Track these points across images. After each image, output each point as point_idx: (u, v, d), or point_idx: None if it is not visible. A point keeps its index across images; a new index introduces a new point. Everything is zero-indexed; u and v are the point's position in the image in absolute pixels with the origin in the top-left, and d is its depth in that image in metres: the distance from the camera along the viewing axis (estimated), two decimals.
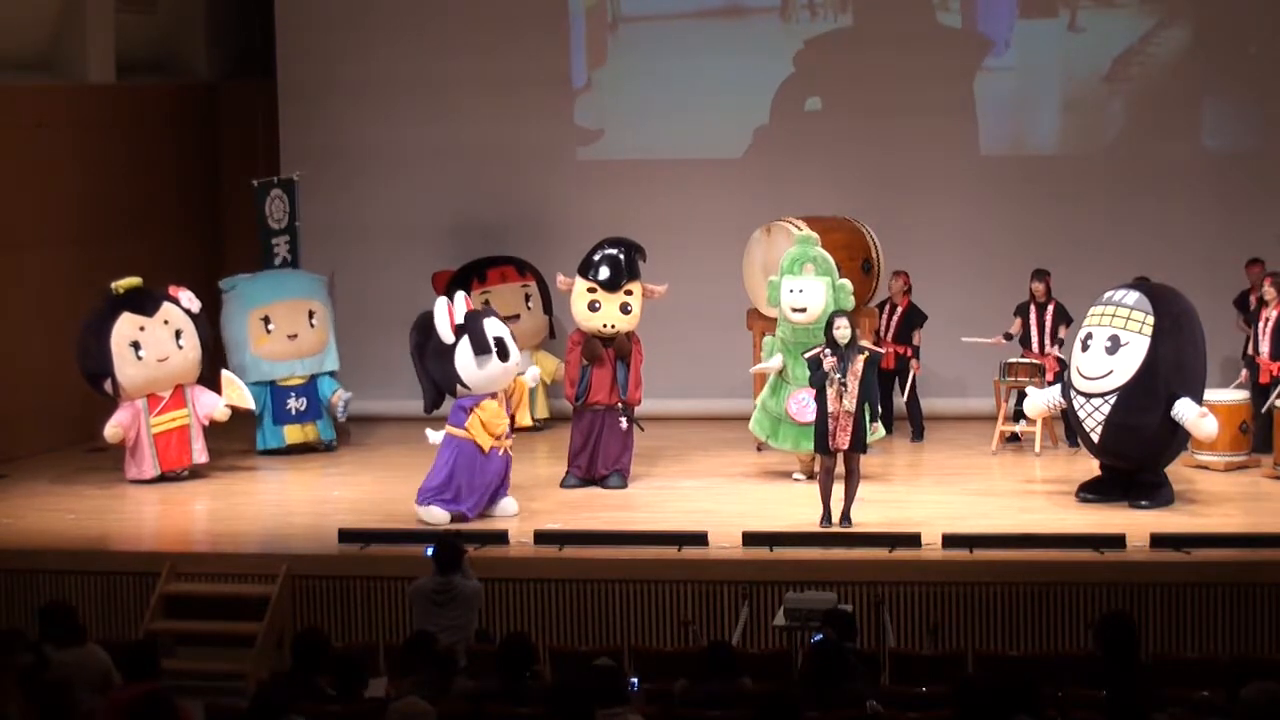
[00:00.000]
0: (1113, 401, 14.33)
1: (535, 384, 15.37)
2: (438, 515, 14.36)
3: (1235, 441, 15.81)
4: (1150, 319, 14.33)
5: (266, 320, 17.36)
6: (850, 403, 13.82)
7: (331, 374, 17.62)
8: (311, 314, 17.57)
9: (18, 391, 17.08)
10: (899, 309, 17.41)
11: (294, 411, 17.37)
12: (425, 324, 14.57)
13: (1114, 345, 14.36)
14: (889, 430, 16.92)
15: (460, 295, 14.95)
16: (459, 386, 14.41)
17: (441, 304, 14.57)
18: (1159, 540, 13.23)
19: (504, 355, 14.39)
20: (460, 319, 14.44)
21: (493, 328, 14.48)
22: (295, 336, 17.44)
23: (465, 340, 14.34)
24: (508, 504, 14.71)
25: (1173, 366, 14.33)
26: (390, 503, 15.25)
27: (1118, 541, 13.24)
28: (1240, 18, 18.43)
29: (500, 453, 14.50)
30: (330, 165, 19.06)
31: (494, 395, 14.46)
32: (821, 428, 13.97)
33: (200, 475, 16.32)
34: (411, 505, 14.94)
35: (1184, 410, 14.22)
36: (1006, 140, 18.94)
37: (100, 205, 18.20)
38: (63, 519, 14.99)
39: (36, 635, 10.42)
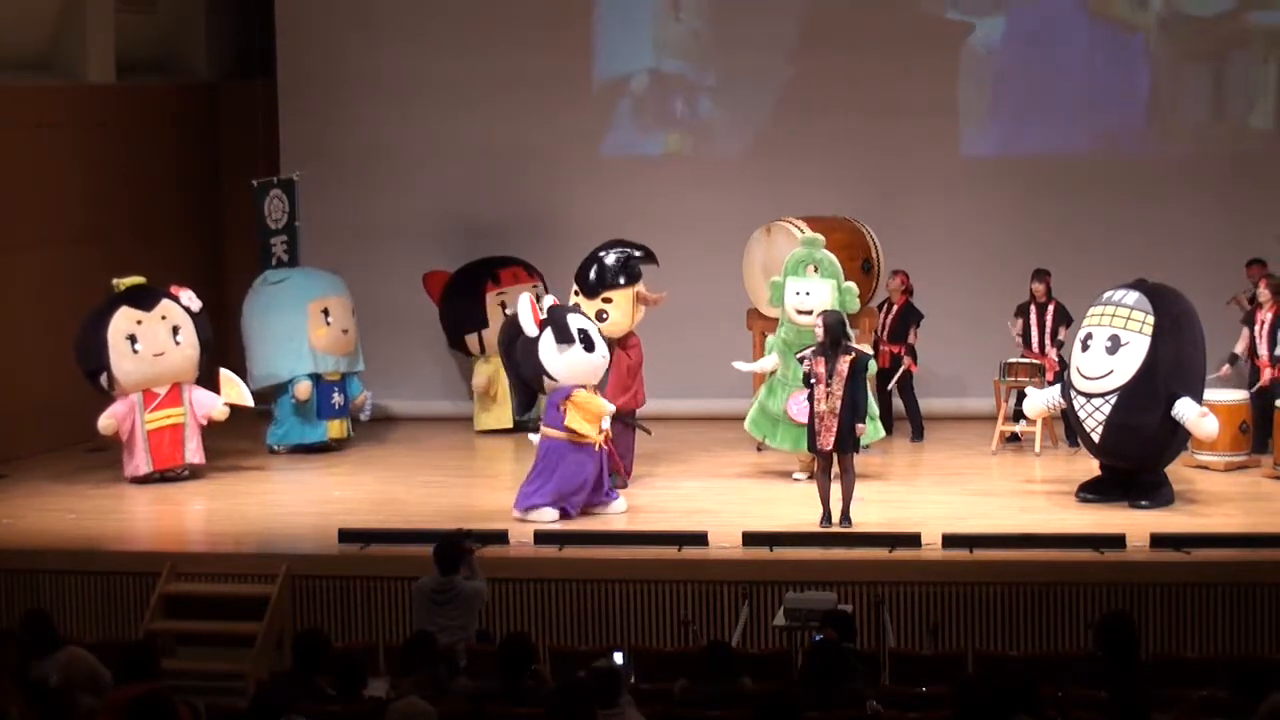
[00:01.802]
0: (1113, 401, 14.33)
1: None
2: (548, 515, 14.28)
3: (1235, 441, 15.81)
4: (1150, 319, 14.33)
5: (326, 312, 17.39)
6: (835, 403, 13.81)
7: (357, 374, 17.67)
8: (354, 312, 17.63)
9: (18, 391, 17.05)
10: (895, 308, 17.41)
11: (337, 406, 17.42)
12: (513, 322, 14.61)
13: (1114, 345, 14.36)
14: (889, 430, 16.90)
15: (549, 298, 15.06)
16: (546, 379, 14.38)
17: (525, 298, 14.58)
18: (1159, 540, 13.22)
19: (589, 346, 14.38)
20: (543, 313, 14.47)
21: (577, 321, 14.48)
22: (347, 332, 17.52)
23: (548, 331, 14.36)
24: (618, 504, 14.65)
25: (1173, 366, 14.33)
26: (391, 503, 15.24)
27: (1118, 541, 13.24)
28: None
29: (594, 448, 14.40)
30: (331, 165, 19.04)
31: (585, 387, 14.39)
32: (811, 427, 14.02)
33: (200, 475, 16.30)
34: (411, 506, 14.94)
35: (1184, 410, 14.22)
36: (1006, 140, 18.91)
37: (100, 205, 18.18)
38: (63, 519, 14.97)
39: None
